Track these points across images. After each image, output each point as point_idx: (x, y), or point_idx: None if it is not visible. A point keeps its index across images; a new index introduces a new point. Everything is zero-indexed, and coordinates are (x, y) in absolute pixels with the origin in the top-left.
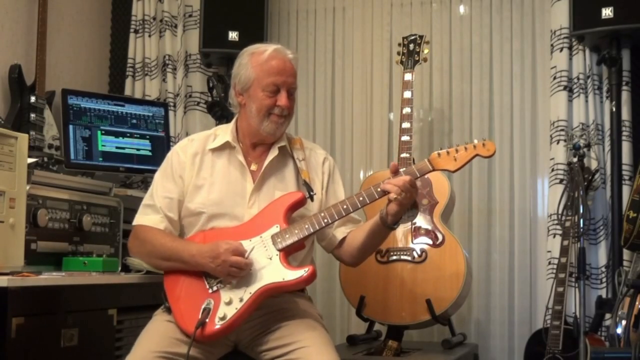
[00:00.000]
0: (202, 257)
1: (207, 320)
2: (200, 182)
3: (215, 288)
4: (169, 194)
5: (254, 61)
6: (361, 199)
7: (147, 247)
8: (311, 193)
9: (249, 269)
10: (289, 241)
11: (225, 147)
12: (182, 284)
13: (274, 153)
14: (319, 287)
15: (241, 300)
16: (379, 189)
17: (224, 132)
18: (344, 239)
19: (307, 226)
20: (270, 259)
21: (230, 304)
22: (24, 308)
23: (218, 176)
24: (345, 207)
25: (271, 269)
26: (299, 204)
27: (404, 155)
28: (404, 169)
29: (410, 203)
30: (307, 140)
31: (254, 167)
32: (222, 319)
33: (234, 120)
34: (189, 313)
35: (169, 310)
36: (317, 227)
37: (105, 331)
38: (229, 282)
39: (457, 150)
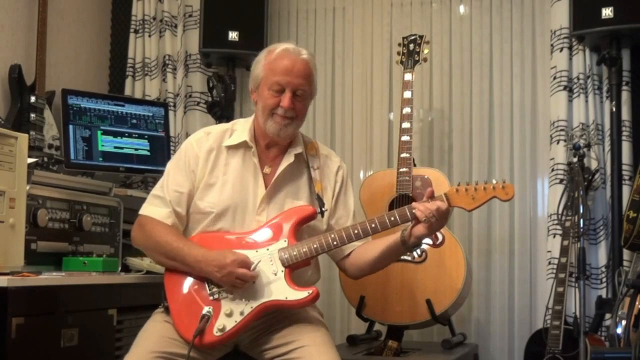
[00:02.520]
0: (208, 265)
1: (205, 328)
2: (212, 181)
3: (216, 296)
4: (179, 187)
5: (266, 59)
6: (373, 225)
7: (151, 242)
8: (322, 209)
9: (253, 281)
10: (296, 259)
11: (241, 146)
12: (183, 285)
13: (289, 160)
14: (319, 287)
15: (242, 313)
16: (392, 218)
17: (242, 129)
18: (351, 251)
19: (315, 246)
20: (276, 274)
21: (230, 316)
22: (24, 308)
23: (231, 176)
24: (356, 232)
25: (275, 286)
26: (309, 218)
27: (404, 155)
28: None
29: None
30: (324, 145)
31: (267, 169)
32: (221, 330)
33: (252, 118)
34: (187, 318)
35: (167, 310)
36: (326, 249)
37: (105, 331)
38: (230, 292)
39: (475, 189)
